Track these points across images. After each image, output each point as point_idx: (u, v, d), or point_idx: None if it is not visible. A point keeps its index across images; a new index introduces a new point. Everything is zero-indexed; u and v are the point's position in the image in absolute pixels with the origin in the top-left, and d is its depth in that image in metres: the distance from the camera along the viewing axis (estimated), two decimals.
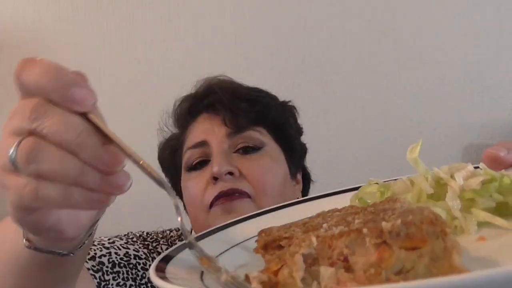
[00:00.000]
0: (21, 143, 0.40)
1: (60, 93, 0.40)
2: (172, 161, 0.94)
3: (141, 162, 0.42)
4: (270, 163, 0.84)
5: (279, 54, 1.88)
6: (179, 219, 0.44)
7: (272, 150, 0.87)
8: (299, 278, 0.36)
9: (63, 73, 0.40)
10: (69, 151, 0.39)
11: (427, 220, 0.35)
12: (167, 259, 0.48)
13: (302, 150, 0.98)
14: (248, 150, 0.84)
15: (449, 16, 1.85)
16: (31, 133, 0.40)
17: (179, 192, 0.92)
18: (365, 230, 0.36)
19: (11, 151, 0.40)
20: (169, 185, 0.43)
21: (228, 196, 0.78)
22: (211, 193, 0.80)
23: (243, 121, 0.85)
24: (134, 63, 1.92)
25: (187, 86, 1.90)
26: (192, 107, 0.91)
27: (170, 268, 0.45)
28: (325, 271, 0.36)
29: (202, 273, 0.45)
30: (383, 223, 0.35)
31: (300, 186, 0.94)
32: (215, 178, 0.79)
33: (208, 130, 0.85)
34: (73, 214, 0.42)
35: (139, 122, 1.94)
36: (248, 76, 1.93)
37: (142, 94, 1.93)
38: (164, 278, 0.41)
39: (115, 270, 0.82)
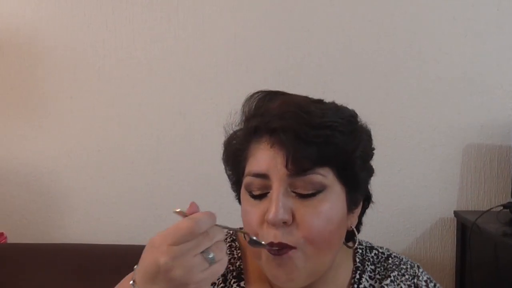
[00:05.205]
0: (211, 251, 0.66)
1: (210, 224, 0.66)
2: (236, 164, 0.88)
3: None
4: (328, 210, 0.79)
5: (279, 53, 1.88)
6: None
7: (333, 192, 0.81)
8: None
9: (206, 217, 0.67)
10: None
11: None
12: None
13: (369, 176, 0.89)
14: (307, 194, 0.79)
15: (448, 16, 1.85)
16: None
17: (239, 192, 0.87)
18: None
19: (211, 255, 0.65)
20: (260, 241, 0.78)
21: (277, 250, 0.78)
22: (265, 233, 0.79)
23: (307, 165, 0.78)
24: (133, 63, 1.92)
25: (187, 86, 1.91)
26: (258, 130, 0.83)
27: None
28: None
29: None
30: None
31: (356, 213, 0.87)
32: None
33: (271, 165, 0.80)
34: None
35: (138, 122, 1.94)
36: (248, 75, 1.94)
37: (142, 94, 1.93)
38: None
39: None
